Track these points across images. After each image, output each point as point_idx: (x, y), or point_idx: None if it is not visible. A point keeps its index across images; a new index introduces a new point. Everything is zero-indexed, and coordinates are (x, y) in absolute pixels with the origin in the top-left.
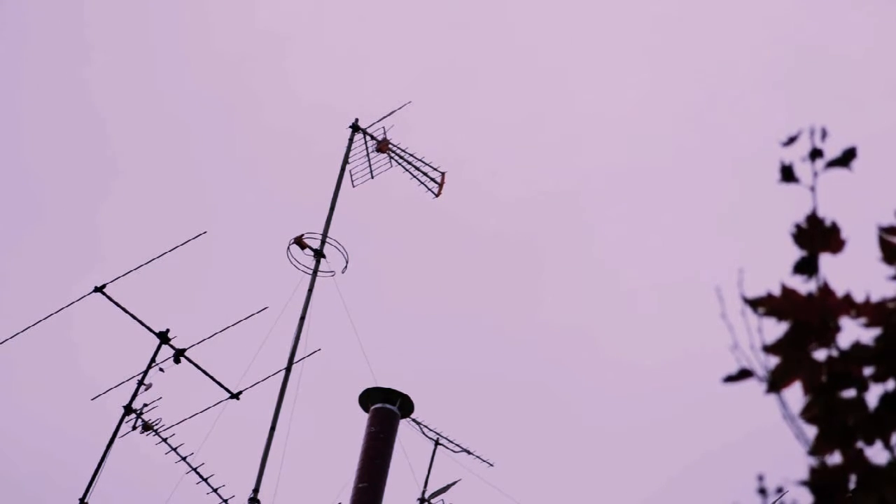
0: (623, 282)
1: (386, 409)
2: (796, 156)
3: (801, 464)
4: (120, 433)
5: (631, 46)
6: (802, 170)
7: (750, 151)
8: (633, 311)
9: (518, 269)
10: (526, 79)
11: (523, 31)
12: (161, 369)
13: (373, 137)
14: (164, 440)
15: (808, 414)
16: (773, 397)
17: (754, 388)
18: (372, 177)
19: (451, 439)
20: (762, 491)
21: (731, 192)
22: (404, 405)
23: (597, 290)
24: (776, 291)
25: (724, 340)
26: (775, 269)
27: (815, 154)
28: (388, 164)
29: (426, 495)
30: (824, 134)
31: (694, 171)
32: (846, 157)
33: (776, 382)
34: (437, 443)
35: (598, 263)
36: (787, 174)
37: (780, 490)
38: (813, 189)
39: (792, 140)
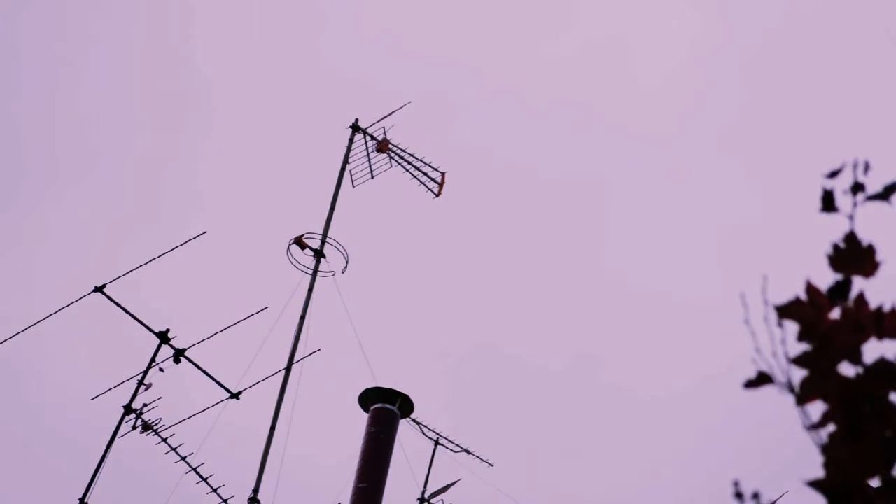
0: (629, 280)
1: (386, 409)
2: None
3: None
4: (120, 433)
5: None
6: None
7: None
8: (637, 306)
9: (519, 266)
10: (526, 77)
11: (523, 31)
12: (161, 369)
13: (373, 137)
14: (164, 440)
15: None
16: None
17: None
18: (372, 177)
19: (451, 439)
20: (738, 496)
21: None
22: (404, 405)
23: (602, 286)
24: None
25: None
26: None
27: (857, 188)
28: (388, 164)
29: (426, 495)
30: (867, 167)
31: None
32: (887, 192)
33: (803, 396)
34: (437, 443)
35: (601, 258)
36: (828, 203)
37: (755, 497)
38: (851, 217)
39: (835, 174)
